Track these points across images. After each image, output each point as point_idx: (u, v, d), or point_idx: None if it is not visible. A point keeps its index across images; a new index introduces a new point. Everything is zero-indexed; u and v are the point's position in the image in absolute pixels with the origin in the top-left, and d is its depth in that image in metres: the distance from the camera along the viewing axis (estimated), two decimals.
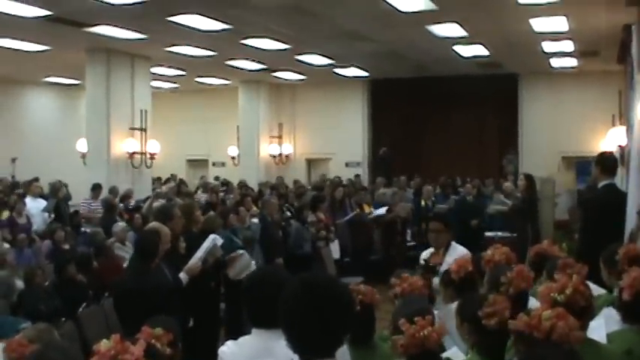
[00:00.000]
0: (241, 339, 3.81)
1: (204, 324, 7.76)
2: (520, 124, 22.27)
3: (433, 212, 15.84)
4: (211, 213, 11.16)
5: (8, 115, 22.62)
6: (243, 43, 16.45)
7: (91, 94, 17.79)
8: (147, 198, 15.94)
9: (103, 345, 3.06)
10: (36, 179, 16.97)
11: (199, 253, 7.49)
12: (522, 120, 22.24)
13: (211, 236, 7.91)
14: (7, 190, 17.48)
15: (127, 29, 14.96)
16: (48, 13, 13.36)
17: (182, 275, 7.18)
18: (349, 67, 20.92)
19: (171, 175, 21.00)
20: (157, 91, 21.77)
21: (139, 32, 15.22)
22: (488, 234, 15.45)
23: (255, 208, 14.36)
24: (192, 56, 17.93)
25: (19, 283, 9.66)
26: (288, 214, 14.83)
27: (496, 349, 4.03)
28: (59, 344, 4.40)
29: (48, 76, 22.68)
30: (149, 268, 6.72)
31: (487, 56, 18.52)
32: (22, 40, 16.06)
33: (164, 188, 16.26)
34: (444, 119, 22.63)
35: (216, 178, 21.44)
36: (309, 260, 13.15)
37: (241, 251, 9.15)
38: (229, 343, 3.85)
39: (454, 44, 17.00)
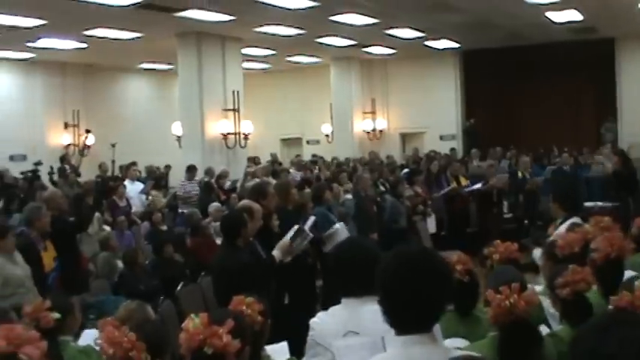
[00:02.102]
0: (331, 309, 3.86)
1: (300, 300, 7.81)
2: (618, 90, 21.64)
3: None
4: (306, 190, 11.23)
5: (107, 103, 23.08)
6: (331, 20, 16.42)
7: (184, 77, 18.04)
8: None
9: (192, 325, 3.06)
10: (133, 163, 17.30)
11: (286, 239, 7.42)
12: (621, 86, 21.60)
13: (295, 227, 7.75)
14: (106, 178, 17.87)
15: (216, 12, 15.10)
16: (138, 0, 13.57)
17: (275, 252, 7.21)
18: (440, 39, 20.70)
19: (271, 154, 21.15)
20: (249, 71, 21.91)
21: (228, 14, 15.33)
22: (587, 204, 15.01)
23: (349, 184, 14.37)
24: (281, 35, 18.00)
25: (119, 264, 9.93)
26: (383, 188, 14.78)
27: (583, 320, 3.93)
28: (153, 320, 4.49)
29: (142, 63, 23.09)
30: (235, 247, 6.80)
31: (581, 21, 18.04)
32: (115, 28, 16.37)
33: (255, 168, 16.38)
34: (538, 88, 22.11)
35: (314, 156, 21.54)
36: (405, 234, 13.08)
37: (337, 226, 9.11)
38: (320, 314, 3.91)
39: (546, 10, 16.62)
